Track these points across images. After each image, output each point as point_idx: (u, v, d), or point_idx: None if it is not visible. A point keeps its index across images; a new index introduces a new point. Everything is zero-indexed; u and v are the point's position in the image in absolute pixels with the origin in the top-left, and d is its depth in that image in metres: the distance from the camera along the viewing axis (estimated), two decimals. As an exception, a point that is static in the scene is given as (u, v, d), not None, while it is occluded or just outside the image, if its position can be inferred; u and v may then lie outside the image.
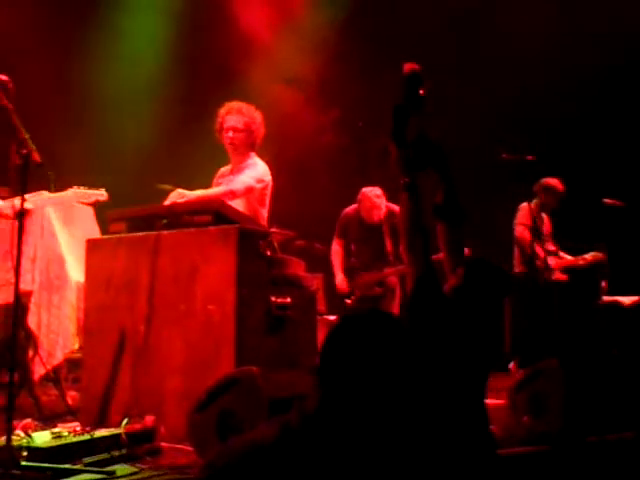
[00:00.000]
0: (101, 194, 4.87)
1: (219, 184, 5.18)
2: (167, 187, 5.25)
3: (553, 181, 6.84)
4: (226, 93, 6.04)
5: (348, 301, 6.12)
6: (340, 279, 6.28)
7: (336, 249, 6.50)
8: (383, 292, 6.13)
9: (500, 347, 2.21)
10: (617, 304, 6.53)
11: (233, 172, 5.15)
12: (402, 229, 2.74)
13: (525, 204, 6.74)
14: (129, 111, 7.61)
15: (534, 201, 6.83)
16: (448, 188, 2.90)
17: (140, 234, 4.43)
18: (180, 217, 4.34)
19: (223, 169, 5.31)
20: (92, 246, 4.66)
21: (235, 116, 5.11)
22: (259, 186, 5.01)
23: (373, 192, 6.46)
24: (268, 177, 5.10)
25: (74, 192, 4.85)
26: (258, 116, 5.16)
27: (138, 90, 7.76)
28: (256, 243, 4.20)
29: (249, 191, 4.97)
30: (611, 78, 7.51)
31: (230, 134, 5.11)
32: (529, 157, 6.04)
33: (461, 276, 2.47)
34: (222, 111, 5.18)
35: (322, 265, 5.63)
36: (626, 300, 6.54)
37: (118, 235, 4.55)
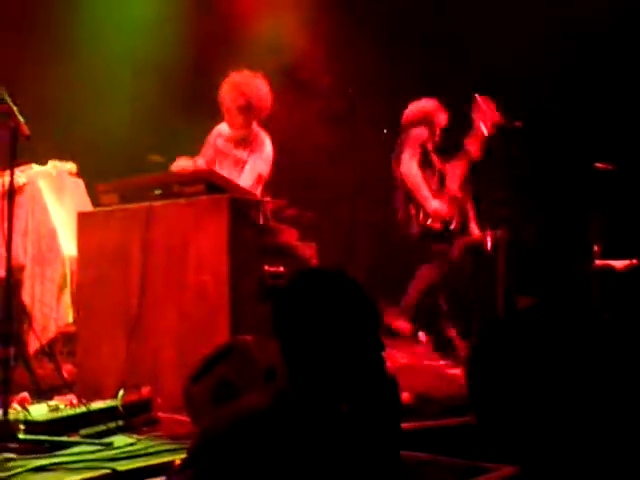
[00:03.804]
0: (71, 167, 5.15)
1: (219, 146, 5.14)
2: (158, 158, 5.22)
3: None
4: (220, 61, 5.99)
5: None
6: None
7: None
8: None
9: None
10: (610, 268, 6.54)
11: (235, 142, 5.08)
12: None
13: None
14: (121, 82, 7.53)
15: None
16: None
17: (132, 206, 4.41)
18: (171, 188, 4.32)
19: (221, 128, 5.22)
20: (83, 219, 4.65)
21: (233, 95, 4.94)
22: (266, 173, 5.01)
23: None
24: (270, 158, 5.07)
25: (53, 165, 4.98)
26: (261, 88, 4.97)
27: (129, 61, 7.68)
28: (248, 212, 4.19)
29: (259, 180, 4.99)
30: (603, 40, 7.46)
31: (229, 115, 4.99)
32: (517, 123, 6.03)
33: None
34: (222, 89, 5.00)
35: (314, 234, 5.61)
36: (618, 264, 6.56)
37: (109, 207, 4.53)
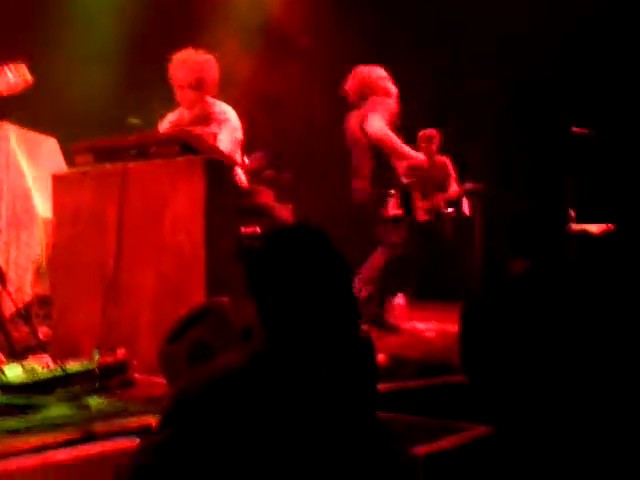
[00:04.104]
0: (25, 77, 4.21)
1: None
2: (136, 121, 5.15)
3: (424, 131, 7.27)
4: (201, 22, 5.90)
5: None
6: None
7: None
8: None
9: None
10: (586, 233, 6.58)
11: (200, 123, 4.94)
12: None
13: None
14: (97, 43, 7.44)
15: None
16: None
17: (107, 166, 4.36)
18: (147, 148, 4.27)
19: (172, 116, 5.12)
20: (58, 180, 4.59)
21: (180, 72, 4.86)
22: (240, 137, 4.93)
23: None
24: (238, 123, 4.98)
25: None
26: (207, 61, 4.91)
27: (104, 25, 7.58)
28: (224, 173, 4.16)
29: (236, 146, 4.89)
30: (582, 7, 7.45)
31: (180, 93, 4.90)
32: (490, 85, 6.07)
33: None
34: (170, 69, 4.90)
35: (291, 195, 5.61)
36: (594, 228, 6.60)
37: (84, 168, 4.48)
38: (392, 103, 5.60)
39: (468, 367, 3.26)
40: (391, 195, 5.56)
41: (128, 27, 7.45)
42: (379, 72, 5.72)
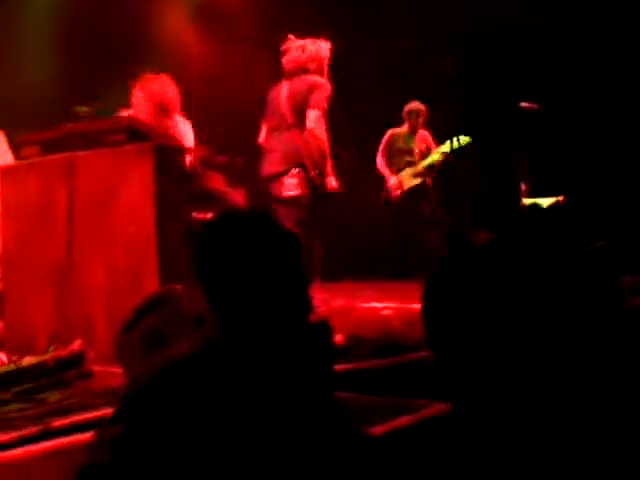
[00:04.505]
0: None
1: None
2: (84, 109, 5.09)
3: (412, 104, 7.42)
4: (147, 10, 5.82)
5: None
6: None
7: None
8: None
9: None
10: (536, 206, 6.67)
11: None
12: None
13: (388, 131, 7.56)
14: (43, 34, 7.33)
15: (405, 125, 7.49)
16: None
17: (53, 157, 4.29)
18: (94, 137, 4.21)
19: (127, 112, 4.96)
20: (4, 173, 4.51)
21: (142, 100, 4.76)
22: None
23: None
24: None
25: None
26: (167, 87, 4.80)
27: (46, 12, 7.46)
28: (174, 159, 4.12)
29: None
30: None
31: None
32: (447, 62, 6.08)
33: None
34: (132, 96, 4.80)
35: (243, 180, 5.55)
36: (544, 202, 6.69)
37: (30, 160, 4.41)
38: (328, 86, 5.27)
39: (433, 341, 3.23)
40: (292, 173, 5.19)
41: (75, 14, 7.35)
42: (326, 50, 5.47)
